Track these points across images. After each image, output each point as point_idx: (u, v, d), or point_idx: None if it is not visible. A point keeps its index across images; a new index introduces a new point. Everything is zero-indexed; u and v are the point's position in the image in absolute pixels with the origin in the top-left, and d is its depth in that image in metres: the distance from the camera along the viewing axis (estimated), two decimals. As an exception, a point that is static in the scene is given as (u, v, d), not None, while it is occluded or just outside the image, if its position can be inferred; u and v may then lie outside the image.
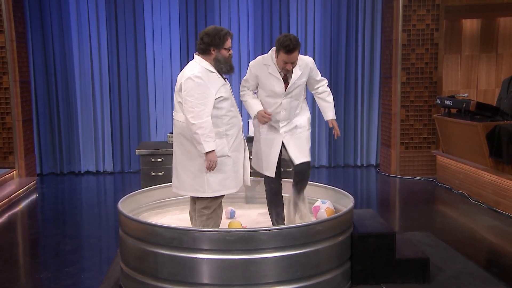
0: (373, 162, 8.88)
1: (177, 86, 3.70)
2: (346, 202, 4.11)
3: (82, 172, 8.57)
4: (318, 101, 4.23)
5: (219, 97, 3.65)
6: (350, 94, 8.76)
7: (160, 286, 3.43)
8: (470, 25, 8.86)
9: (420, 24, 7.81)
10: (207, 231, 3.39)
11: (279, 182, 4.18)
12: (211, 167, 3.62)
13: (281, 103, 3.96)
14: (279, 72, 3.92)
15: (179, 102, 3.67)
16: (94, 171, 8.60)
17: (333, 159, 8.71)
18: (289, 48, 3.73)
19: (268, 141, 4.04)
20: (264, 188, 4.24)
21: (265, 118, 3.92)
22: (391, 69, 8.00)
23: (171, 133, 6.58)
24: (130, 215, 3.75)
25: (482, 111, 6.40)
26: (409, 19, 7.79)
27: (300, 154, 3.99)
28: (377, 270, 3.78)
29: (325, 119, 4.22)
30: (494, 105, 7.06)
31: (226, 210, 4.46)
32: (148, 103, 8.58)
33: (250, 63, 4.05)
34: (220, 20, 8.50)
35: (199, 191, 3.73)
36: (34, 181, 7.61)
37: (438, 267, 4.13)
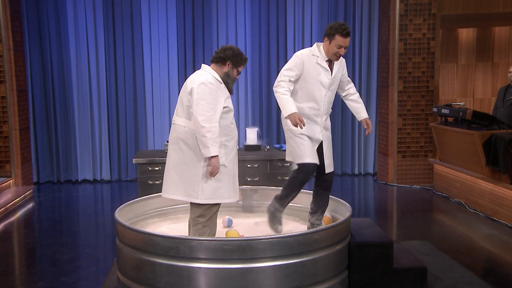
0: (370, 170, 8.89)
1: (186, 89, 3.75)
2: (344, 211, 4.12)
3: (79, 180, 8.55)
4: (349, 102, 4.30)
5: (225, 107, 3.73)
6: (347, 103, 8.77)
7: (157, 296, 3.42)
8: (466, 34, 8.91)
9: (417, 33, 7.85)
10: (204, 240, 3.38)
11: (312, 174, 4.11)
12: (213, 173, 3.64)
13: (325, 95, 3.99)
14: (326, 63, 3.97)
15: (187, 106, 3.72)
16: (91, 180, 8.58)
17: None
18: (346, 31, 3.88)
19: (311, 132, 3.97)
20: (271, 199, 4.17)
21: (299, 123, 3.77)
22: (388, 78, 8.03)
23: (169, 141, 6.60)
24: (127, 224, 3.75)
25: (479, 120, 6.42)
26: (405, 28, 7.83)
27: (331, 163, 4.09)
28: (374, 279, 3.77)
29: (359, 120, 4.25)
30: (491, 114, 7.08)
31: (223, 219, 4.45)
32: (146, 112, 8.58)
33: (297, 54, 3.98)
34: (217, 30, 8.53)
35: (192, 196, 3.73)
36: (31, 190, 7.59)
37: (435, 276, 4.12)
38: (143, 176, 6.15)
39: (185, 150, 3.74)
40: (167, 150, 6.48)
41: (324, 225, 4.05)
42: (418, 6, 7.83)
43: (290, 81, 3.90)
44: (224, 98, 3.74)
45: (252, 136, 6.67)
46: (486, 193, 6.21)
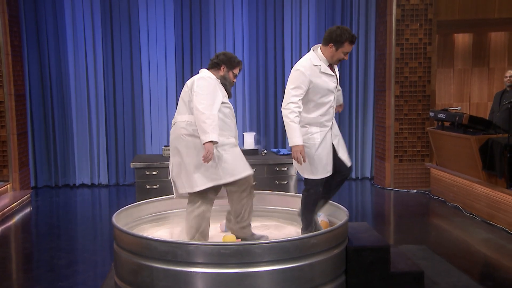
0: (367, 174, 8.89)
1: (186, 89, 3.92)
2: (341, 215, 4.11)
3: (77, 185, 8.53)
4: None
5: (224, 102, 3.89)
6: (344, 107, 8.73)
7: (155, 301, 3.40)
8: (462, 39, 8.95)
9: (413, 38, 7.87)
10: (202, 245, 3.37)
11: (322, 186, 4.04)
12: (207, 158, 3.68)
13: (333, 98, 3.96)
14: (329, 68, 3.89)
15: (188, 101, 3.86)
16: (89, 184, 8.57)
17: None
18: (355, 38, 3.87)
19: (325, 143, 3.93)
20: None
21: (299, 160, 3.73)
22: (385, 83, 8.05)
23: (166, 146, 6.59)
24: (125, 228, 3.74)
25: (475, 124, 6.43)
26: (402, 33, 7.85)
27: (348, 158, 4.08)
28: (372, 284, 3.76)
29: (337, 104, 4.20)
30: (487, 118, 7.10)
31: (220, 223, 4.44)
32: (143, 116, 8.58)
33: (299, 69, 3.76)
34: (215, 36, 8.55)
35: (215, 180, 3.86)
36: (29, 195, 7.57)
37: (432, 281, 4.12)
38: (140, 180, 6.13)
39: (189, 142, 3.82)
40: (165, 155, 6.50)
41: (322, 229, 4.04)
42: (415, 11, 7.85)
43: (299, 100, 3.74)
44: (222, 94, 3.90)
45: (249, 140, 6.66)
46: (482, 198, 6.21)
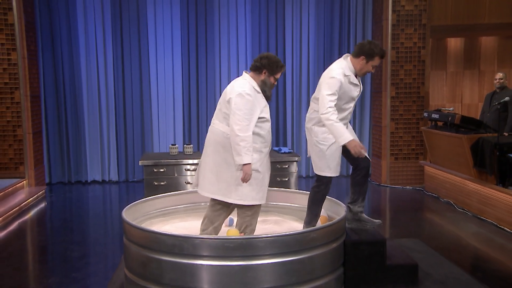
0: (364, 172, 8.85)
1: (225, 97, 3.77)
2: (339, 210, 4.10)
3: (88, 181, 8.54)
4: None
5: (262, 118, 3.74)
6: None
7: (162, 291, 3.40)
8: (455, 43, 8.92)
9: (408, 42, 7.85)
10: (207, 239, 3.37)
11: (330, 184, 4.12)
12: (245, 179, 3.67)
13: (353, 105, 4.02)
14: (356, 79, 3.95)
15: (225, 113, 3.74)
16: (100, 181, 8.57)
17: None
18: (385, 53, 3.95)
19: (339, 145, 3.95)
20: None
21: (363, 152, 3.80)
22: (381, 84, 8.03)
23: (173, 144, 6.60)
24: (134, 223, 3.74)
25: (467, 124, 6.41)
26: (397, 38, 7.83)
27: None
28: (368, 276, 3.75)
29: None
30: (478, 118, 7.08)
31: (225, 218, 4.44)
32: (151, 116, 8.58)
33: (336, 77, 3.78)
34: (219, 40, 8.53)
35: (226, 196, 3.78)
36: (43, 190, 7.58)
37: (426, 272, 4.10)
38: (149, 177, 6.14)
39: (222, 153, 3.77)
40: (171, 153, 6.50)
41: (321, 223, 4.04)
42: (409, 16, 7.83)
43: (334, 105, 3.77)
44: (261, 108, 3.73)
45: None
46: (473, 194, 6.19)
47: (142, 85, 8.50)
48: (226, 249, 3.28)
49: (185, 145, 6.64)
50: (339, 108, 3.85)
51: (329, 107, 3.71)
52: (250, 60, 8.57)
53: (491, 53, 8.97)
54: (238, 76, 8.92)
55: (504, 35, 8.79)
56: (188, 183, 6.24)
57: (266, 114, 3.78)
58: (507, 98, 6.41)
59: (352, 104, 3.97)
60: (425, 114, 7.22)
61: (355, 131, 8.77)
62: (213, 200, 3.92)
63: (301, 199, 4.45)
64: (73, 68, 8.34)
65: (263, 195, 3.85)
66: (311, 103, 3.99)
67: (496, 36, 8.87)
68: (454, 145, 6.54)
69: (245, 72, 3.89)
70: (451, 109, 7.17)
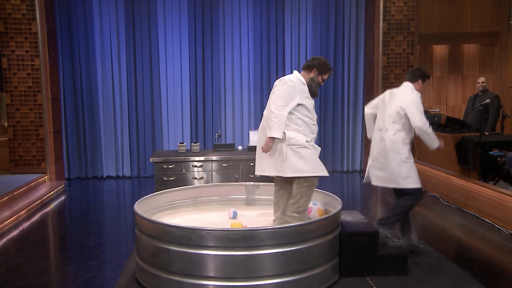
0: (357, 168, 8.82)
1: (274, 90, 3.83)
2: (335, 204, 4.05)
3: (104, 176, 8.50)
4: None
5: (302, 104, 3.75)
6: (337, 109, 8.72)
7: (171, 279, 3.36)
8: (440, 50, 8.86)
9: (398, 49, 7.79)
10: (212, 230, 3.32)
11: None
12: (265, 150, 3.70)
13: None
14: None
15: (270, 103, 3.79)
16: (115, 176, 8.53)
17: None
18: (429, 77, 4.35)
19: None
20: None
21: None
22: (373, 87, 7.97)
23: (181, 142, 6.55)
24: (145, 215, 3.69)
25: (451, 124, 6.35)
26: (388, 44, 7.77)
27: None
28: (362, 264, 3.72)
29: None
30: (461, 119, 7.01)
31: (229, 211, 4.39)
32: (161, 117, 8.54)
33: (417, 98, 4.10)
34: (224, 45, 8.48)
35: (280, 172, 3.77)
36: (63, 185, 7.55)
37: (414, 261, 4.06)
38: (159, 173, 6.10)
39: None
40: (180, 150, 6.44)
41: (318, 216, 3.98)
42: (399, 25, 7.77)
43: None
44: (303, 96, 3.76)
45: (254, 138, 6.59)
46: (457, 188, 6.14)
47: (152, 88, 8.46)
48: (230, 240, 3.24)
49: (192, 143, 6.60)
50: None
51: (425, 121, 4.02)
52: (252, 63, 8.53)
53: (473, 59, 8.91)
54: (241, 78, 8.94)
55: (485, 43, 8.73)
56: (195, 178, 6.19)
57: (307, 104, 3.78)
58: (488, 101, 6.36)
59: None
60: (413, 115, 7.13)
61: (348, 131, 8.77)
62: (276, 187, 3.93)
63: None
64: (89, 73, 8.30)
65: (313, 168, 3.74)
66: (391, 125, 4.08)
67: (478, 44, 8.81)
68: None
69: (295, 71, 3.94)
70: (437, 110, 7.12)
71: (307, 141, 3.75)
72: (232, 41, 8.50)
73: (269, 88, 8.54)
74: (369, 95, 8.13)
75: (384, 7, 7.76)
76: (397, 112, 4.06)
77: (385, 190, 7.35)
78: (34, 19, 7.34)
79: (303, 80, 3.83)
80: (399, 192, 4.15)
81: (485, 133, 6.36)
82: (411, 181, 4.01)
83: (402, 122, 4.05)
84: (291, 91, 3.71)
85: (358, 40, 8.59)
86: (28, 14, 7.33)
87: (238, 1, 8.46)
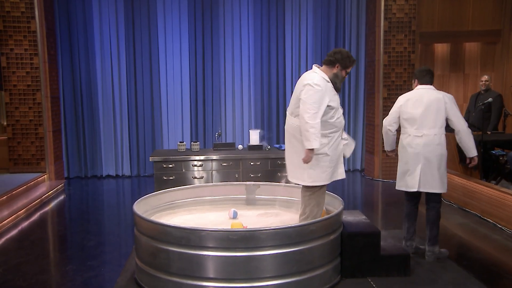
0: (358, 167, 8.78)
1: (297, 91, 3.67)
2: (336, 204, 4.01)
3: (103, 176, 8.47)
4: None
5: (330, 106, 3.60)
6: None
7: (171, 280, 3.32)
8: (441, 48, 8.80)
9: (399, 47, 7.75)
10: (212, 231, 3.27)
11: None
12: (306, 161, 3.58)
13: None
14: None
15: (294, 105, 3.68)
16: (114, 175, 8.50)
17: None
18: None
19: None
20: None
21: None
22: (374, 86, 7.93)
23: (181, 142, 6.51)
24: (144, 216, 3.65)
25: (453, 123, 6.29)
26: (389, 43, 7.72)
27: None
28: (364, 265, 3.68)
29: None
30: (463, 117, 6.95)
31: (229, 211, 4.35)
32: (161, 116, 8.50)
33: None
34: (224, 45, 8.44)
35: (299, 180, 3.71)
36: (62, 184, 7.51)
37: (416, 261, 4.02)
38: (158, 172, 6.05)
39: (294, 143, 3.71)
40: (180, 150, 6.40)
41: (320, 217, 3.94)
42: (400, 23, 7.72)
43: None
44: (329, 97, 3.60)
45: (254, 137, 6.56)
46: (459, 187, 6.10)
47: (152, 87, 8.42)
48: (230, 240, 3.19)
49: (192, 143, 6.55)
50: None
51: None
52: (252, 65, 8.48)
53: (474, 57, 8.86)
54: (241, 77, 8.89)
55: (486, 41, 8.67)
56: (195, 177, 6.16)
57: (334, 102, 3.64)
58: (490, 99, 6.30)
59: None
60: (415, 114, 7.09)
61: (349, 130, 8.73)
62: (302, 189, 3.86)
63: (298, 193, 4.34)
64: (89, 71, 8.26)
65: (328, 175, 3.70)
66: (439, 129, 4.32)
67: (479, 42, 8.76)
68: (441, 142, 6.43)
69: (315, 66, 3.78)
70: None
71: (327, 148, 3.64)
72: (232, 41, 8.45)
73: (269, 87, 8.51)
74: (370, 94, 8.09)
75: (385, 5, 7.71)
76: (442, 116, 4.30)
77: (386, 189, 7.31)
78: (33, 17, 7.30)
79: (327, 78, 3.65)
80: (434, 198, 4.21)
81: (487, 132, 6.31)
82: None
83: (443, 125, 4.24)
84: (319, 95, 3.54)
85: (359, 39, 8.54)
86: (27, 12, 7.29)
87: (238, 1, 8.42)
